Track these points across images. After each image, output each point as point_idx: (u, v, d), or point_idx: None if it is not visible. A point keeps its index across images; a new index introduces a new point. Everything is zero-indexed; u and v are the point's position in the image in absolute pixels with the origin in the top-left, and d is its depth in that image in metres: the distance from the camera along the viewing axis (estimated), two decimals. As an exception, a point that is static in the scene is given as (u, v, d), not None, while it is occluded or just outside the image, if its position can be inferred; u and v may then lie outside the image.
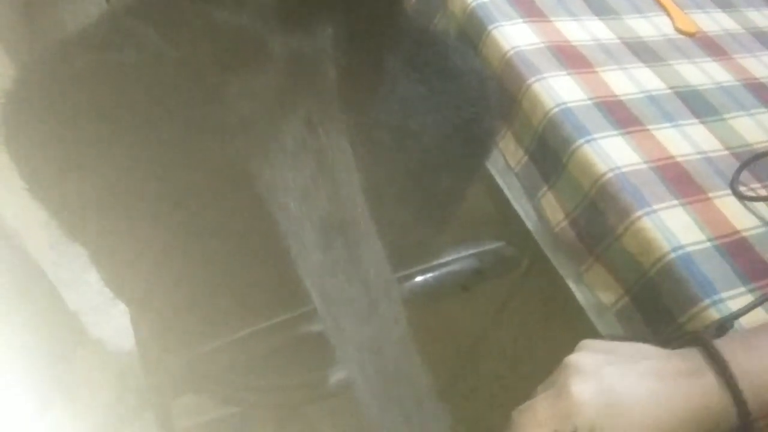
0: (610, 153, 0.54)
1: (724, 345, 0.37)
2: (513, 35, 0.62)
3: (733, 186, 0.53)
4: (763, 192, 0.54)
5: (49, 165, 0.35)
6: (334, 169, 0.34)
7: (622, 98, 0.60)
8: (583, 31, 0.66)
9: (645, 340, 0.40)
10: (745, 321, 0.45)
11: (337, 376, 0.49)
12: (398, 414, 0.34)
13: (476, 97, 0.48)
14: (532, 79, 0.59)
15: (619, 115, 0.58)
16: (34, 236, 0.41)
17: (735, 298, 0.46)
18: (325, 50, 0.34)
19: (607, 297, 0.53)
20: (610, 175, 0.52)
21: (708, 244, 0.49)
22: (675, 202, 0.52)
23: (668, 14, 0.71)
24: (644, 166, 0.54)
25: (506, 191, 0.63)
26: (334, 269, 0.34)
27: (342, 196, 0.34)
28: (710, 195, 0.53)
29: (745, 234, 0.51)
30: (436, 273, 0.61)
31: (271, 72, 0.33)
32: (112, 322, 0.49)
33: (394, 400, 0.34)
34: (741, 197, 0.53)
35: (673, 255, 0.48)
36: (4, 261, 0.36)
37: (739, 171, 0.54)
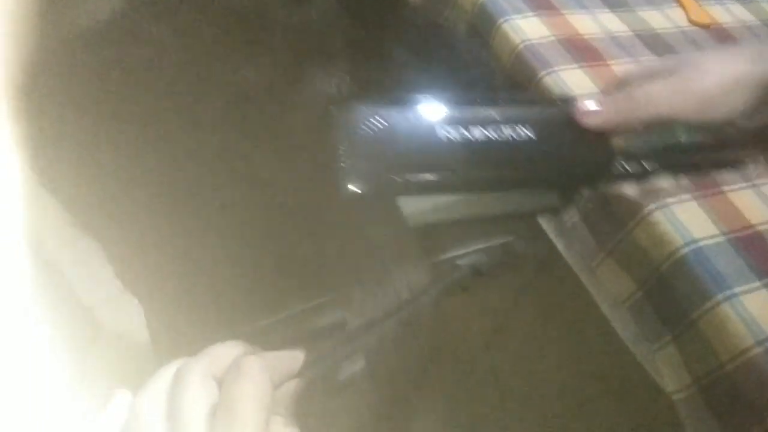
0: (622, 146, 0.53)
1: None
2: (523, 28, 0.62)
3: None
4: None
5: (63, 158, 0.36)
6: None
7: (635, 91, 0.59)
8: (595, 23, 0.65)
9: None
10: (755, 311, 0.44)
11: (346, 370, 0.50)
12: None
13: (483, 89, 0.48)
14: (543, 72, 0.59)
15: (632, 108, 0.57)
16: (49, 233, 0.42)
17: (749, 292, 0.46)
18: (329, 16, 0.34)
19: (619, 292, 0.53)
20: (621, 168, 0.52)
21: (721, 237, 0.49)
22: (688, 195, 0.51)
23: (682, 5, 0.70)
24: (657, 159, 0.53)
25: (517, 186, 0.63)
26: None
27: None
28: (724, 188, 0.52)
29: (759, 228, 0.50)
30: (447, 268, 0.61)
31: (280, 44, 0.33)
32: (128, 316, 0.49)
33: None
34: None
35: (685, 249, 0.47)
36: (21, 259, 0.37)
37: None
